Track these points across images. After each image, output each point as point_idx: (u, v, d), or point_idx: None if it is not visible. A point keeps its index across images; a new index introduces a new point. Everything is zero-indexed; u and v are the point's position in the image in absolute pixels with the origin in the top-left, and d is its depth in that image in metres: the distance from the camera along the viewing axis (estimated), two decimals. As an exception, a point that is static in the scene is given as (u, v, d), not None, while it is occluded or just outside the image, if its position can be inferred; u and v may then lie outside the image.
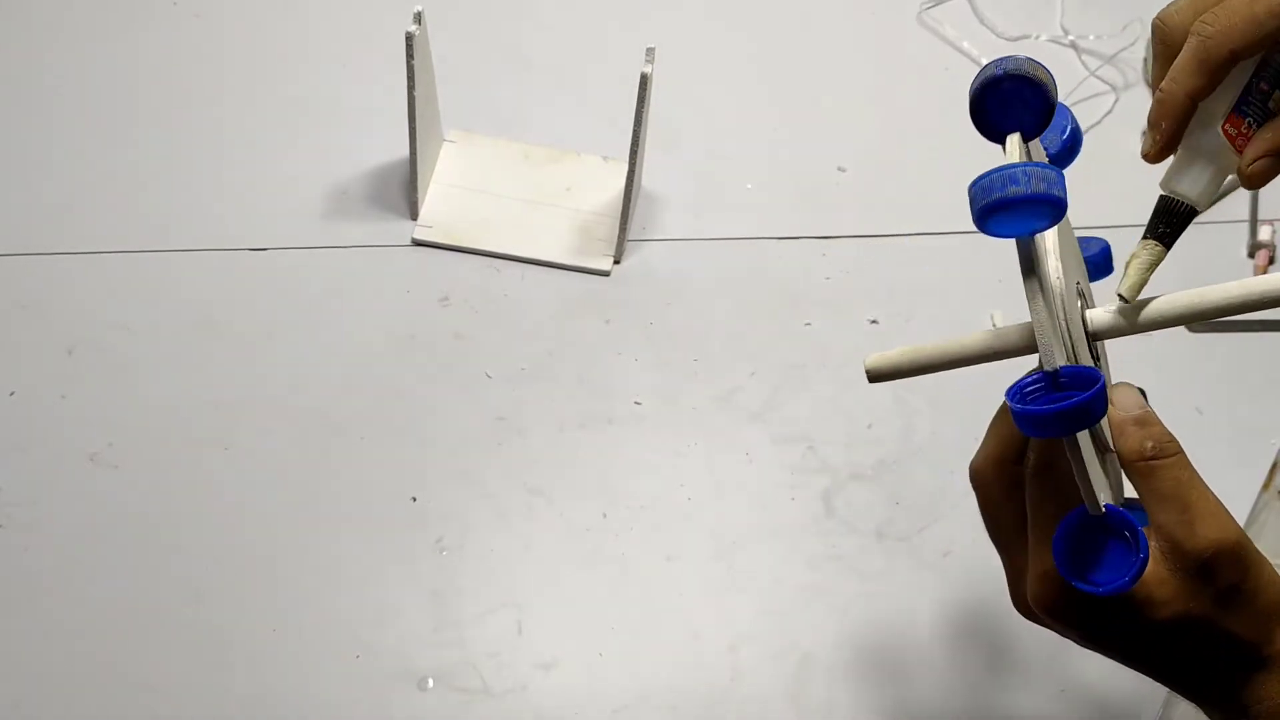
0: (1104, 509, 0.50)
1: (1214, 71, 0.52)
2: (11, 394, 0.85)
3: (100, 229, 0.93)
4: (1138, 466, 0.51)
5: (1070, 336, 0.52)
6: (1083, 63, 1.08)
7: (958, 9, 1.11)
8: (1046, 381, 0.49)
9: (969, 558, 0.83)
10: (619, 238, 0.93)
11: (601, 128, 1.00)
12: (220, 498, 0.82)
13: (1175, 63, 0.53)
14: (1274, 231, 0.97)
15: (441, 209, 0.96)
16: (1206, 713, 0.53)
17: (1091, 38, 1.09)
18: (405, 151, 0.93)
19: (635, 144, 0.88)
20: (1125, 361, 0.92)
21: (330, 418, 0.86)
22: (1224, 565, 0.49)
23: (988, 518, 0.57)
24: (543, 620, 0.79)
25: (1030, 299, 0.49)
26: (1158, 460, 0.51)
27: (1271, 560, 0.83)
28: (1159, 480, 0.51)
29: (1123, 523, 0.49)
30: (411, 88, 0.87)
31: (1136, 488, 0.52)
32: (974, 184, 0.47)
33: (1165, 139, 0.54)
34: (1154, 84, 0.54)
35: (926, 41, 1.10)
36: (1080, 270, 0.62)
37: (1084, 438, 0.50)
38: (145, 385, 0.86)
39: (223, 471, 0.83)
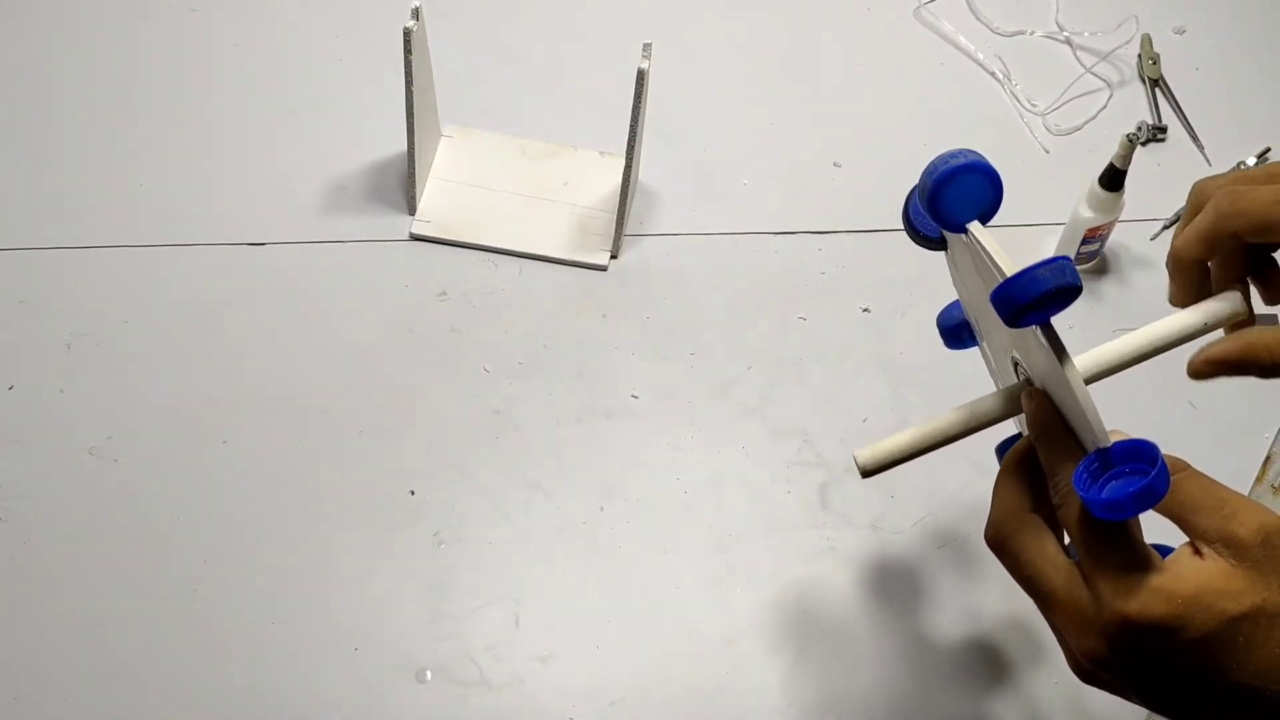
0: (1112, 443, 0.50)
1: (1214, 245, 0.55)
2: (11, 388, 0.85)
3: (98, 224, 0.93)
4: None
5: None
6: (1078, 59, 1.08)
7: (954, 5, 1.12)
8: (1099, 460, 0.50)
9: (963, 551, 0.83)
10: (616, 232, 0.94)
11: (599, 123, 1.00)
12: (219, 491, 0.82)
13: (1189, 226, 0.56)
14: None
15: (439, 204, 0.96)
16: None
17: (1086, 34, 1.09)
18: (403, 147, 0.93)
19: (632, 139, 0.88)
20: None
21: (328, 412, 0.86)
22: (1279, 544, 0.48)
23: (1022, 574, 0.54)
24: (540, 613, 0.80)
25: (1072, 382, 0.51)
26: (1174, 476, 0.50)
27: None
28: (1184, 493, 0.51)
29: (1133, 451, 0.49)
30: (409, 83, 0.87)
31: (1165, 513, 0.51)
32: (1003, 289, 0.50)
33: (1179, 294, 0.58)
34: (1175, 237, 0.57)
35: (923, 37, 1.10)
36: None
37: (1073, 375, 0.51)
38: (144, 379, 0.86)
39: (221, 465, 0.83)
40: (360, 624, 0.78)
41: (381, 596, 0.79)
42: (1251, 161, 1.02)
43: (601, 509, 0.84)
